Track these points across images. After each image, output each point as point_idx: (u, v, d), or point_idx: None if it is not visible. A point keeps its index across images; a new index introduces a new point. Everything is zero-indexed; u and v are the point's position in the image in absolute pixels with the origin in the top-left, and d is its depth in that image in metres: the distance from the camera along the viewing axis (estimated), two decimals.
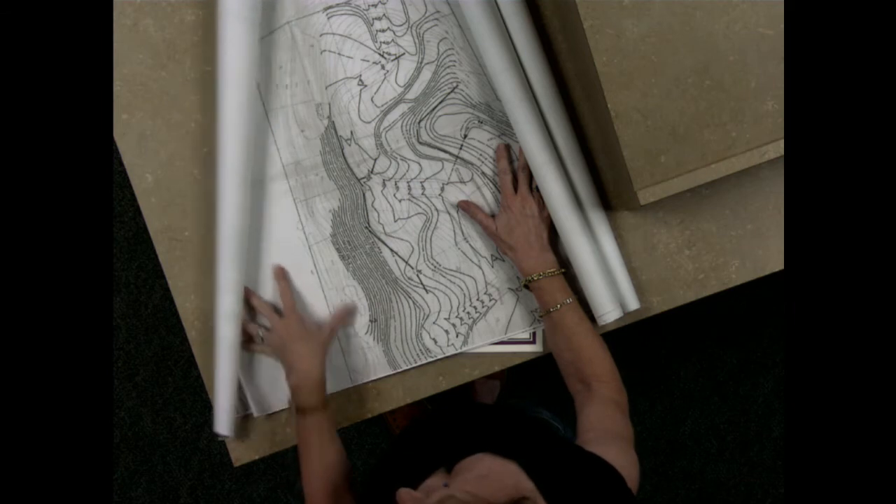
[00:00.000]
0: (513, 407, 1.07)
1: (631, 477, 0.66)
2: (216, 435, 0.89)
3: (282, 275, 0.91)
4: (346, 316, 0.92)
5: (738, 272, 0.91)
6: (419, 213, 0.91)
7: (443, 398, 0.96)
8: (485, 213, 0.89)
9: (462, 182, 0.91)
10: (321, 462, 0.85)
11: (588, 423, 0.76)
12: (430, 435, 0.73)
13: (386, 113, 0.90)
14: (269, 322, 0.88)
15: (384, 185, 0.91)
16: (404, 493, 0.56)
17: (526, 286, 0.87)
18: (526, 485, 0.57)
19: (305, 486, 0.86)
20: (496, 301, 0.92)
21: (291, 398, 0.87)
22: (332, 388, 0.93)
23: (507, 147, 0.89)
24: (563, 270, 0.85)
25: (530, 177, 0.87)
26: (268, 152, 0.91)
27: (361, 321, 0.93)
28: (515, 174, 0.88)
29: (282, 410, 0.93)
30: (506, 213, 0.86)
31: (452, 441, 0.68)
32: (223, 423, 0.88)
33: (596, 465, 0.64)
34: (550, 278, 0.84)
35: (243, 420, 0.94)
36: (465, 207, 0.90)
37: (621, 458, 0.67)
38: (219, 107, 0.83)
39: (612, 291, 0.86)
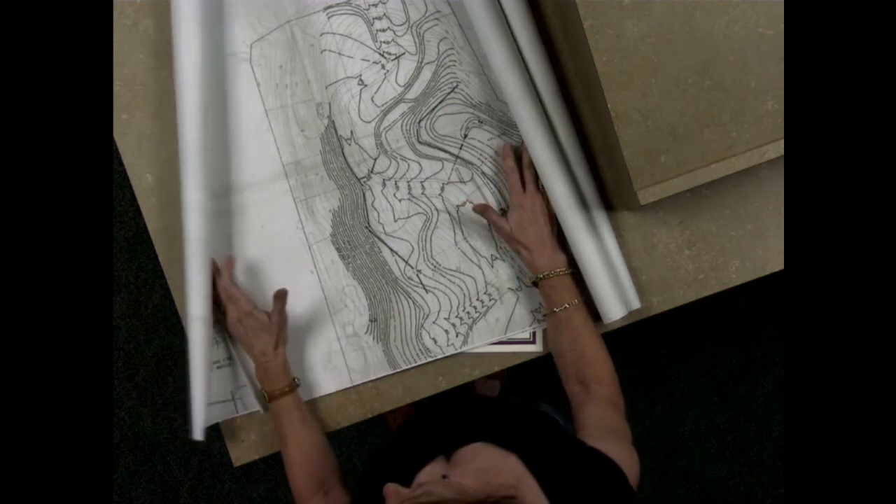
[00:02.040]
0: (514, 400, 1.07)
1: (632, 472, 0.66)
2: (192, 437, 0.89)
3: (225, 266, 0.88)
4: (283, 300, 0.88)
5: (738, 272, 0.91)
6: (419, 213, 0.91)
7: (442, 398, 0.96)
8: (497, 213, 0.88)
9: (462, 182, 0.91)
10: (299, 448, 0.85)
11: (587, 421, 0.76)
12: (430, 423, 0.73)
13: (386, 112, 0.90)
14: (224, 313, 0.88)
15: (384, 184, 0.91)
16: (391, 488, 0.56)
17: (535, 283, 0.86)
18: (527, 479, 0.57)
19: (290, 478, 0.86)
20: (496, 301, 0.92)
21: (259, 387, 0.88)
22: (331, 387, 0.93)
23: (513, 146, 0.89)
24: (572, 270, 0.85)
25: (536, 174, 0.86)
26: (268, 152, 0.91)
27: (361, 321, 0.93)
28: (522, 172, 0.88)
29: None
30: (517, 212, 0.86)
31: (452, 430, 0.68)
32: (197, 424, 0.88)
33: (597, 459, 0.64)
34: (560, 277, 0.83)
35: (243, 420, 0.94)
36: (481, 211, 0.88)
37: (622, 453, 0.67)
38: (177, 114, 0.83)
39: (616, 290, 0.86)
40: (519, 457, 0.58)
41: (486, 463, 0.58)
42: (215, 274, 0.88)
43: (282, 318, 0.88)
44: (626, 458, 0.67)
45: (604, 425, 0.75)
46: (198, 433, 0.88)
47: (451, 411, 0.74)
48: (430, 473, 0.61)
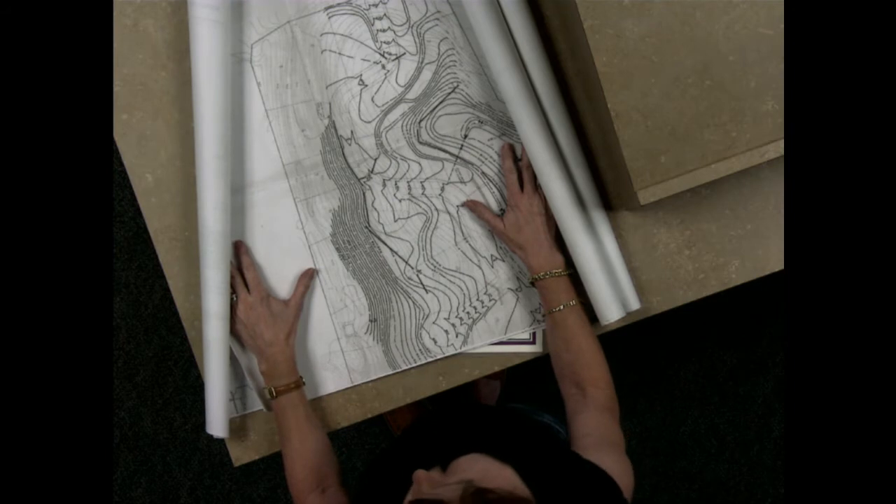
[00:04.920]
0: (514, 410, 1.07)
1: (626, 486, 0.67)
2: (213, 434, 0.89)
3: (244, 250, 0.90)
4: (307, 284, 0.91)
5: (738, 272, 0.91)
6: (419, 213, 0.91)
7: (444, 398, 0.96)
8: (492, 212, 0.89)
9: (462, 182, 0.91)
10: (302, 445, 0.85)
11: (584, 429, 0.76)
12: (427, 433, 0.73)
13: (386, 113, 0.90)
14: (237, 296, 0.88)
15: (384, 184, 0.91)
16: (420, 473, 0.56)
17: (533, 284, 0.87)
18: (522, 490, 0.57)
19: (289, 473, 0.86)
20: (496, 301, 0.92)
21: (265, 382, 0.88)
22: (331, 387, 0.93)
23: (512, 146, 0.89)
24: (569, 272, 0.85)
25: (534, 175, 0.87)
26: (268, 152, 0.91)
27: (361, 321, 0.93)
28: (520, 173, 0.88)
29: None
30: (514, 212, 0.86)
31: (449, 440, 0.68)
32: (217, 423, 0.88)
33: (592, 473, 0.64)
34: (557, 278, 0.84)
35: (242, 420, 0.94)
36: (472, 207, 0.90)
37: (617, 466, 0.67)
38: (195, 109, 0.83)
39: (614, 290, 0.86)
40: (515, 469, 0.58)
41: (482, 472, 0.58)
42: (238, 254, 0.89)
43: (299, 306, 0.89)
44: (621, 472, 0.67)
45: (599, 435, 0.75)
46: (219, 430, 0.88)
47: (449, 421, 0.74)
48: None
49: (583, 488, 0.62)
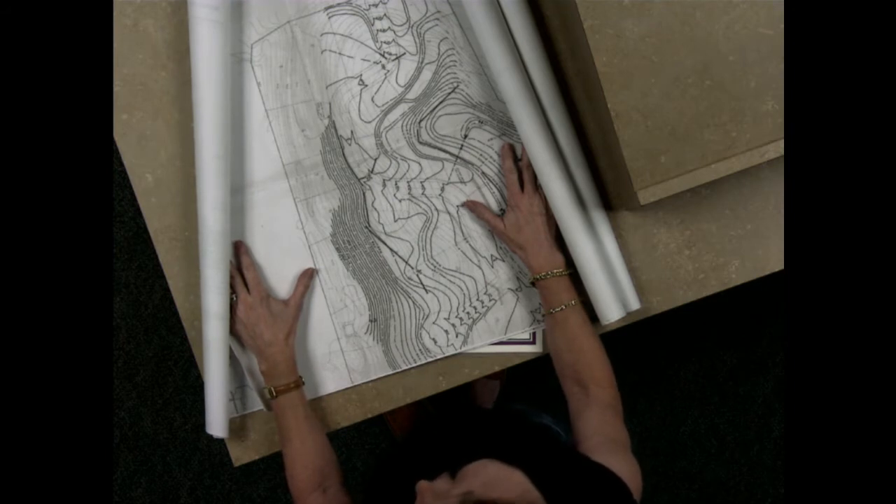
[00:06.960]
0: (516, 412, 1.07)
1: (635, 485, 0.67)
2: (212, 434, 0.89)
3: (244, 250, 0.90)
4: (307, 284, 0.91)
5: (738, 272, 0.91)
6: (419, 213, 0.91)
7: (443, 398, 0.96)
8: (492, 212, 0.89)
9: (462, 182, 0.91)
10: (302, 445, 0.85)
11: (589, 429, 0.76)
12: (434, 439, 0.73)
13: (386, 113, 0.91)
14: (237, 296, 0.88)
15: (384, 184, 0.91)
16: (424, 485, 0.56)
17: (533, 284, 0.87)
18: (532, 494, 0.56)
19: (290, 474, 0.86)
20: (496, 301, 0.92)
21: (265, 382, 0.88)
22: (331, 387, 0.93)
23: (512, 146, 0.89)
24: (570, 271, 0.85)
25: (535, 175, 0.87)
26: (268, 152, 0.91)
27: (361, 321, 0.93)
28: (520, 173, 0.88)
29: None
30: (514, 212, 0.86)
31: (457, 445, 0.67)
32: (217, 423, 0.88)
33: (601, 475, 0.64)
34: (558, 278, 0.84)
35: (242, 420, 0.94)
36: (472, 207, 0.90)
37: (625, 466, 0.67)
38: (195, 109, 0.83)
39: (614, 291, 0.86)
40: (524, 472, 0.58)
41: (492, 478, 0.58)
42: (238, 254, 0.89)
43: (298, 306, 0.89)
44: (628, 471, 0.67)
45: (605, 434, 0.75)
46: (219, 430, 0.88)
47: (455, 427, 0.74)
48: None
49: (592, 491, 0.62)
